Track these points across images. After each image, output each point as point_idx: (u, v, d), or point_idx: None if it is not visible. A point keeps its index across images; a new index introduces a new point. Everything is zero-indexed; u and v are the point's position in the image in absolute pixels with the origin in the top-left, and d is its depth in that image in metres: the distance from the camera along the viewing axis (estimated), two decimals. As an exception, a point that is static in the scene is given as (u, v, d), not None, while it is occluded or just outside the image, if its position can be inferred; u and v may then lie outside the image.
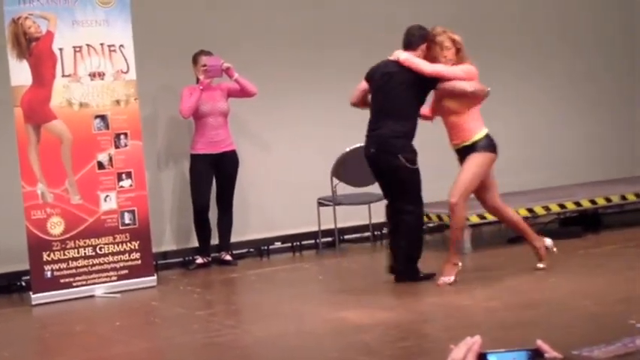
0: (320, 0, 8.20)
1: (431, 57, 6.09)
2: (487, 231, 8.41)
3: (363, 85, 6.23)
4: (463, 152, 6.18)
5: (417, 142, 6.16)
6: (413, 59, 6.02)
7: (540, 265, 6.30)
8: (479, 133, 6.13)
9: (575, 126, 9.31)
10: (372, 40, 8.21)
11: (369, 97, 6.21)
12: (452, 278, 6.07)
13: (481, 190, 6.25)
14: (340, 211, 7.75)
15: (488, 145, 6.14)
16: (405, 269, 6.08)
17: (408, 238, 6.07)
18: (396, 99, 5.98)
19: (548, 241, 6.44)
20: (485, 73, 8.92)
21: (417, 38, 6.07)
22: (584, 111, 9.37)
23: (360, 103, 6.32)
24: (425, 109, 6.27)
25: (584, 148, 9.31)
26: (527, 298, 5.57)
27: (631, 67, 9.59)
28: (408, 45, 6.08)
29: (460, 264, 6.20)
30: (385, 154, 6.00)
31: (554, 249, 6.41)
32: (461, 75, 6.04)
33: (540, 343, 2.03)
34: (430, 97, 6.28)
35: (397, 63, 6.04)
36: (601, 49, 9.45)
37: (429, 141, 6.37)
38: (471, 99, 6.10)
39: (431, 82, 6.00)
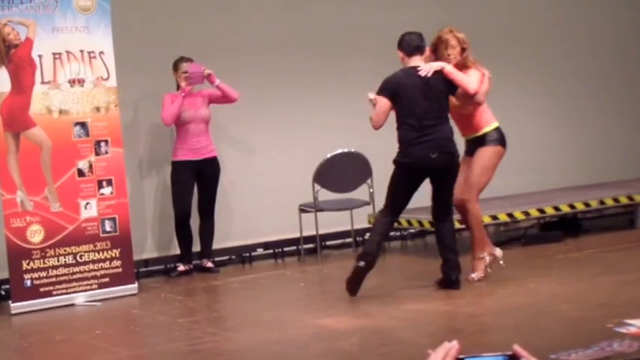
0: (303, 7, 8.21)
1: (437, 57, 6.15)
2: (467, 236, 8.43)
3: (387, 104, 5.98)
4: (472, 143, 6.28)
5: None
6: (458, 74, 6.03)
7: (474, 276, 6.23)
8: (489, 126, 6.24)
9: (557, 131, 9.37)
10: (355, 47, 8.26)
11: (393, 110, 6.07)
12: (481, 274, 6.18)
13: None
14: (322, 217, 7.75)
15: (498, 138, 6.24)
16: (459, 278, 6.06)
17: (456, 245, 6.11)
18: (443, 103, 5.98)
19: (498, 252, 6.41)
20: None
21: (423, 46, 6.06)
22: (569, 116, 9.44)
23: (383, 123, 6.13)
24: None
25: (566, 153, 9.37)
26: (507, 303, 5.60)
27: (621, 73, 9.66)
28: (418, 49, 6.04)
29: (486, 256, 6.24)
30: (448, 156, 5.94)
31: (502, 262, 6.37)
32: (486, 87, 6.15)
33: (517, 348, 2.04)
34: None
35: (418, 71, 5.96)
36: (592, 56, 9.52)
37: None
38: (470, 101, 6.15)
39: (455, 88, 6.04)
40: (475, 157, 6.24)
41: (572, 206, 8.07)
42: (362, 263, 5.88)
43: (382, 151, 7.70)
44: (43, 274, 6.43)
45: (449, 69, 6.00)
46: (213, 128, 7.50)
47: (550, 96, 9.36)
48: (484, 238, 6.38)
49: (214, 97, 7.43)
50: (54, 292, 6.47)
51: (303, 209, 7.84)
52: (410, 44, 6.04)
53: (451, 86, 6.02)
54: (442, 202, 6.07)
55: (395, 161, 6.05)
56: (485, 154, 6.24)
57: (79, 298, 6.53)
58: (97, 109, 6.63)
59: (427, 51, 6.10)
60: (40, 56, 6.42)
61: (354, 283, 5.94)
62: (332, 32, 8.26)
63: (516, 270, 6.46)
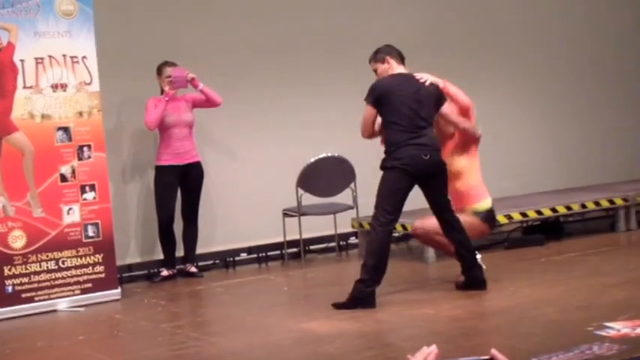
0: (287, 11, 8.22)
1: None
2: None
3: (373, 112, 5.92)
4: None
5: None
6: (451, 87, 6.11)
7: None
8: (482, 202, 6.34)
9: (539, 135, 9.43)
10: (340, 53, 8.28)
11: (379, 118, 6.00)
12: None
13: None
14: (306, 221, 7.77)
15: (488, 218, 6.34)
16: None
17: (468, 239, 6.06)
18: (431, 109, 5.95)
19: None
20: (457, 81, 9.04)
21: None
22: (551, 120, 9.50)
23: (374, 132, 6.08)
24: None
25: (548, 157, 9.42)
26: (489, 306, 5.63)
27: (601, 78, 9.73)
28: (403, 60, 6.05)
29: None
30: (438, 158, 5.92)
31: None
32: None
33: (494, 352, 2.06)
34: None
35: (415, 79, 5.95)
36: (573, 61, 9.59)
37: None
38: (462, 133, 6.22)
39: (444, 99, 6.04)
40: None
41: (554, 210, 8.11)
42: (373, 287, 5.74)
43: (366, 155, 7.73)
44: (25, 279, 6.41)
45: (440, 84, 6.03)
46: (197, 133, 7.50)
47: (532, 100, 9.42)
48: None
49: (198, 102, 7.43)
50: (36, 298, 6.44)
51: (286, 213, 7.85)
52: (400, 54, 6.04)
53: (440, 98, 6.00)
54: (441, 205, 6.00)
55: (384, 166, 5.89)
56: (468, 222, 6.18)
57: (62, 304, 6.50)
58: (80, 113, 6.61)
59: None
60: (22, 61, 6.40)
61: (350, 307, 5.76)
62: (316, 37, 8.28)
63: (498, 273, 6.48)
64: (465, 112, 6.20)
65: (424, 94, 5.91)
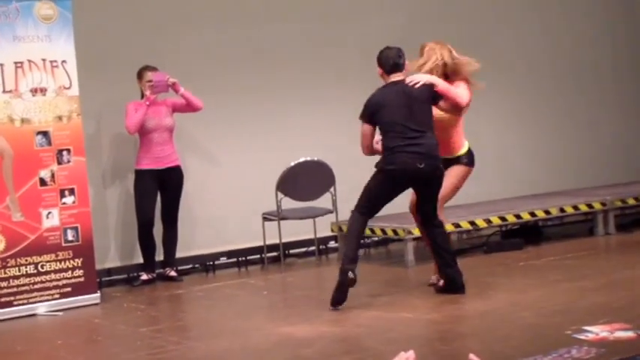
0: (269, 17, 8.23)
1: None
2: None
3: (369, 128, 6.01)
4: (445, 162, 6.24)
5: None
6: (450, 88, 6.05)
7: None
8: (463, 148, 6.33)
9: (518, 140, 9.50)
10: (319, 59, 8.30)
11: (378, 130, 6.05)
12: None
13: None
14: (285, 225, 7.77)
15: (471, 159, 6.35)
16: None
17: (449, 245, 6.16)
18: (426, 112, 5.97)
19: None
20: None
21: (402, 59, 6.02)
22: (530, 125, 9.57)
23: (374, 149, 6.11)
24: None
25: (527, 162, 9.48)
26: (467, 310, 5.66)
27: (580, 85, 9.81)
28: (396, 67, 5.99)
29: None
30: (434, 166, 5.92)
31: None
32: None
33: (472, 356, 2.08)
34: None
35: (407, 84, 5.93)
36: (553, 69, 9.67)
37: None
38: (458, 111, 6.21)
39: (439, 98, 6.04)
40: (448, 172, 6.26)
41: (532, 214, 8.17)
42: (351, 275, 5.79)
43: (345, 159, 7.77)
44: (4, 284, 6.38)
45: (441, 86, 6.00)
46: (177, 137, 7.50)
47: (511, 105, 9.48)
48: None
49: (179, 106, 7.43)
50: (15, 303, 6.41)
51: (266, 217, 7.85)
52: (388, 62, 5.99)
53: (435, 96, 6.01)
54: (429, 210, 6.06)
55: (378, 166, 5.99)
56: (459, 172, 6.31)
57: (41, 308, 6.48)
58: (60, 118, 6.59)
59: (407, 66, 6.06)
60: (1, 65, 6.37)
61: (341, 295, 5.84)
62: (296, 42, 8.29)
63: (477, 277, 6.52)
64: (461, 108, 6.16)
65: (416, 100, 5.92)
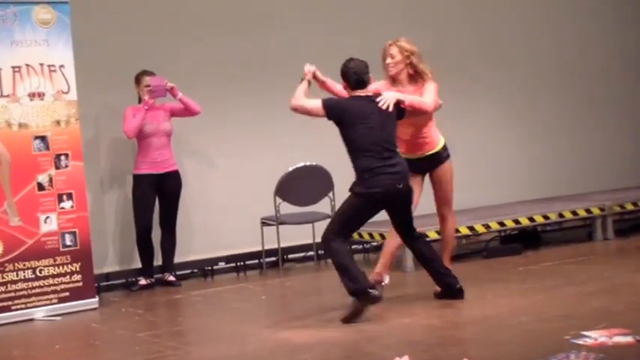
0: (267, 23, 8.23)
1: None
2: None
3: (322, 112, 5.81)
4: (426, 161, 6.26)
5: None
6: (415, 99, 5.97)
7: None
8: (441, 142, 6.31)
9: (518, 145, 9.50)
10: (318, 65, 8.29)
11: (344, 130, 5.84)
12: None
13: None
14: (284, 230, 7.77)
15: (448, 153, 6.37)
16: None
17: (435, 253, 6.13)
18: (394, 131, 5.85)
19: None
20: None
21: (367, 73, 5.86)
22: (530, 130, 9.57)
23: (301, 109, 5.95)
24: None
25: (526, 167, 9.49)
26: (466, 315, 5.64)
27: (582, 89, 9.81)
28: (361, 83, 5.83)
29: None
30: (408, 184, 5.82)
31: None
32: (436, 99, 6.14)
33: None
34: None
35: (376, 102, 5.78)
36: (553, 73, 9.69)
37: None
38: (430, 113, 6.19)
39: (403, 112, 5.94)
40: (441, 175, 6.32)
41: (531, 219, 8.16)
42: (378, 293, 5.66)
43: (343, 164, 7.75)
44: (2, 288, 6.36)
45: (407, 101, 5.90)
46: (175, 142, 7.49)
47: (511, 111, 9.49)
48: (386, 256, 6.39)
49: (177, 111, 7.42)
50: (12, 307, 6.40)
51: (265, 222, 7.85)
52: (353, 77, 5.79)
53: (401, 112, 5.90)
54: (407, 225, 5.99)
55: (355, 191, 5.76)
56: (448, 170, 6.36)
57: (39, 313, 6.46)
58: (58, 122, 6.59)
59: (371, 80, 5.91)
60: (-1, 69, 6.38)
61: (359, 317, 5.66)
62: (293, 48, 8.28)
63: (476, 282, 6.51)
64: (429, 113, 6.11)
65: (387, 118, 5.76)
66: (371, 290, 5.65)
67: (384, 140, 5.76)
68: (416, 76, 6.14)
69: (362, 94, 5.83)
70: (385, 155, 5.75)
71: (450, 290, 6.02)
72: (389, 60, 6.13)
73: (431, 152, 6.28)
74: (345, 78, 5.86)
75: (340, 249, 5.76)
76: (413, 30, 8.84)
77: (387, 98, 5.80)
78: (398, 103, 5.86)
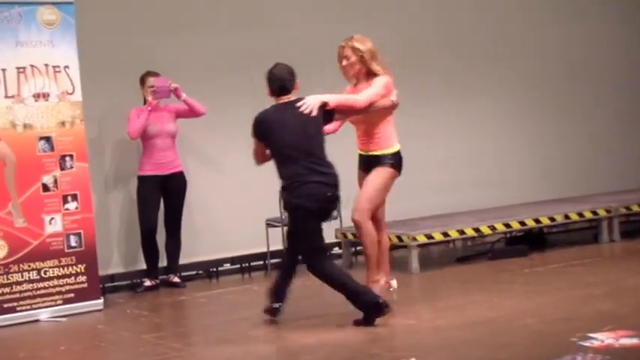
0: (273, 22, 8.22)
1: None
2: (435, 250, 8.49)
3: (259, 146, 5.75)
4: (369, 160, 6.08)
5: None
6: (342, 98, 5.82)
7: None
8: (391, 148, 6.05)
9: (525, 147, 9.49)
10: (322, 64, 8.27)
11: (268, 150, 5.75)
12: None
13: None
14: (289, 231, 7.74)
15: (395, 162, 6.05)
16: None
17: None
18: (320, 141, 5.66)
19: (393, 283, 6.35)
20: (435, 96, 9.07)
21: (290, 79, 5.73)
22: (537, 132, 9.56)
23: (265, 158, 5.85)
24: (329, 126, 5.97)
25: (532, 169, 9.47)
26: (472, 317, 5.62)
27: (588, 89, 9.79)
28: (284, 90, 5.70)
29: (385, 280, 6.16)
30: (337, 192, 5.69)
31: (392, 288, 6.26)
32: (383, 92, 5.93)
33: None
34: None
35: (298, 108, 5.63)
36: (560, 73, 9.66)
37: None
38: (387, 109, 6.01)
39: (332, 114, 5.77)
40: (371, 177, 6.02)
41: (537, 221, 8.13)
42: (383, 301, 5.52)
43: (349, 164, 7.73)
44: (7, 289, 6.36)
45: (332, 102, 5.69)
46: (180, 143, 7.49)
47: (518, 112, 9.48)
48: (381, 260, 6.14)
49: (182, 112, 7.42)
50: (18, 308, 6.39)
51: (270, 224, 7.83)
52: (275, 83, 5.70)
53: (327, 115, 5.69)
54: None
55: (291, 204, 5.62)
56: (382, 173, 6.01)
57: (44, 314, 6.46)
58: (62, 123, 6.58)
59: (297, 85, 5.75)
60: (3, 70, 6.36)
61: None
62: (300, 48, 8.27)
63: (482, 284, 6.50)
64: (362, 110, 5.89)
65: (311, 124, 5.61)
66: (381, 301, 5.50)
67: (307, 145, 5.58)
68: (370, 74, 6.02)
69: (284, 101, 5.71)
70: (309, 161, 5.56)
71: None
72: (344, 62, 6.05)
73: (375, 153, 6.05)
74: (268, 84, 5.75)
75: (330, 272, 5.64)
76: (424, 28, 8.89)
77: (309, 103, 5.65)
78: (324, 106, 5.67)
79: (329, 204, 5.66)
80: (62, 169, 6.57)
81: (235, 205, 7.98)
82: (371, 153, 6.10)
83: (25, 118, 6.45)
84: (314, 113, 5.62)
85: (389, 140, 6.08)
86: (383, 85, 5.96)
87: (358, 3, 8.62)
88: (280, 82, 5.71)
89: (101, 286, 6.96)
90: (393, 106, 6.07)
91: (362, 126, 6.14)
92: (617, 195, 9.02)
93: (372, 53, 6.02)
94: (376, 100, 5.92)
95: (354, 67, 6.06)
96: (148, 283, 7.39)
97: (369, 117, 6.01)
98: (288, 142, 5.59)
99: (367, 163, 6.13)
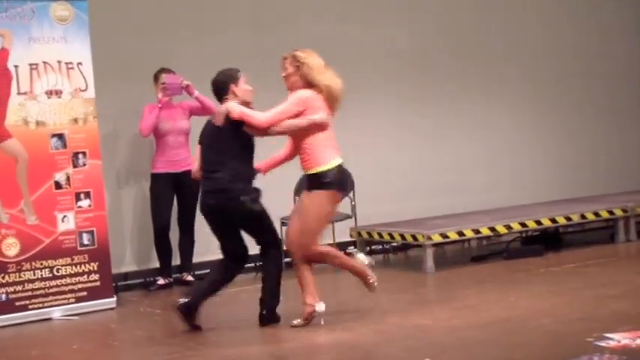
0: (283, 21, 8.20)
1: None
2: (450, 250, 8.44)
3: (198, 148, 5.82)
4: (308, 179, 5.63)
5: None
6: (245, 112, 5.54)
7: (295, 322, 5.63)
8: (327, 164, 5.52)
9: (540, 146, 9.45)
10: (335, 61, 8.20)
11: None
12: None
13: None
14: (302, 230, 7.69)
15: (335, 179, 5.51)
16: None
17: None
18: (220, 147, 5.61)
19: (366, 259, 5.89)
20: (451, 100, 9.03)
21: (222, 84, 5.68)
22: (552, 132, 9.52)
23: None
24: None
25: (548, 168, 9.43)
26: (487, 317, 5.57)
27: (605, 89, 9.73)
28: (218, 98, 5.70)
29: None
30: (226, 197, 5.59)
31: (366, 262, 5.85)
32: (293, 110, 5.54)
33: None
34: None
35: (211, 119, 5.66)
36: (576, 72, 9.61)
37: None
38: (314, 128, 5.56)
39: (239, 125, 5.54)
40: (303, 205, 5.64)
41: (553, 220, 8.07)
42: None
43: (365, 164, 7.70)
44: (19, 287, 6.35)
45: (235, 114, 5.48)
46: (193, 140, 7.45)
47: (533, 112, 9.44)
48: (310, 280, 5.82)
49: (195, 109, 7.39)
50: (30, 307, 6.38)
51: (284, 222, 7.78)
52: (214, 93, 5.75)
53: (233, 125, 5.53)
54: (260, 242, 5.89)
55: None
56: (317, 199, 5.52)
57: (56, 313, 6.45)
58: (75, 120, 6.56)
59: (232, 89, 5.64)
60: (16, 67, 6.35)
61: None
62: (312, 46, 8.20)
63: (497, 284, 6.45)
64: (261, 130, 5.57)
65: (219, 134, 5.59)
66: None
67: (209, 155, 5.65)
68: (310, 88, 5.60)
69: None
70: (207, 174, 5.64)
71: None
72: (283, 73, 5.78)
73: (311, 172, 5.56)
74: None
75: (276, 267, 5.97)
76: (437, 30, 8.84)
77: (217, 111, 5.64)
78: (228, 116, 5.55)
79: (217, 213, 5.66)
80: (75, 166, 6.55)
81: (249, 204, 7.93)
82: (307, 172, 5.60)
83: (38, 115, 6.43)
84: (219, 122, 5.57)
85: (318, 157, 5.53)
86: (295, 103, 5.54)
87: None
88: (215, 89, 5.75)
89: (114, 284, 6.94)
90: (319, 126, 5.56)
91: (290, 141, 5.78)
92: (634, 195, 8.95)
93: (315, 66, 5.60)
94: (279, 120, 5.52)
95: (290, 78, 5.67)
96: (161, 281, 7.37)
97: (294, 132, 5.60)
98: (202, 151, 5.75)
99: (307, 183, 5.66)
